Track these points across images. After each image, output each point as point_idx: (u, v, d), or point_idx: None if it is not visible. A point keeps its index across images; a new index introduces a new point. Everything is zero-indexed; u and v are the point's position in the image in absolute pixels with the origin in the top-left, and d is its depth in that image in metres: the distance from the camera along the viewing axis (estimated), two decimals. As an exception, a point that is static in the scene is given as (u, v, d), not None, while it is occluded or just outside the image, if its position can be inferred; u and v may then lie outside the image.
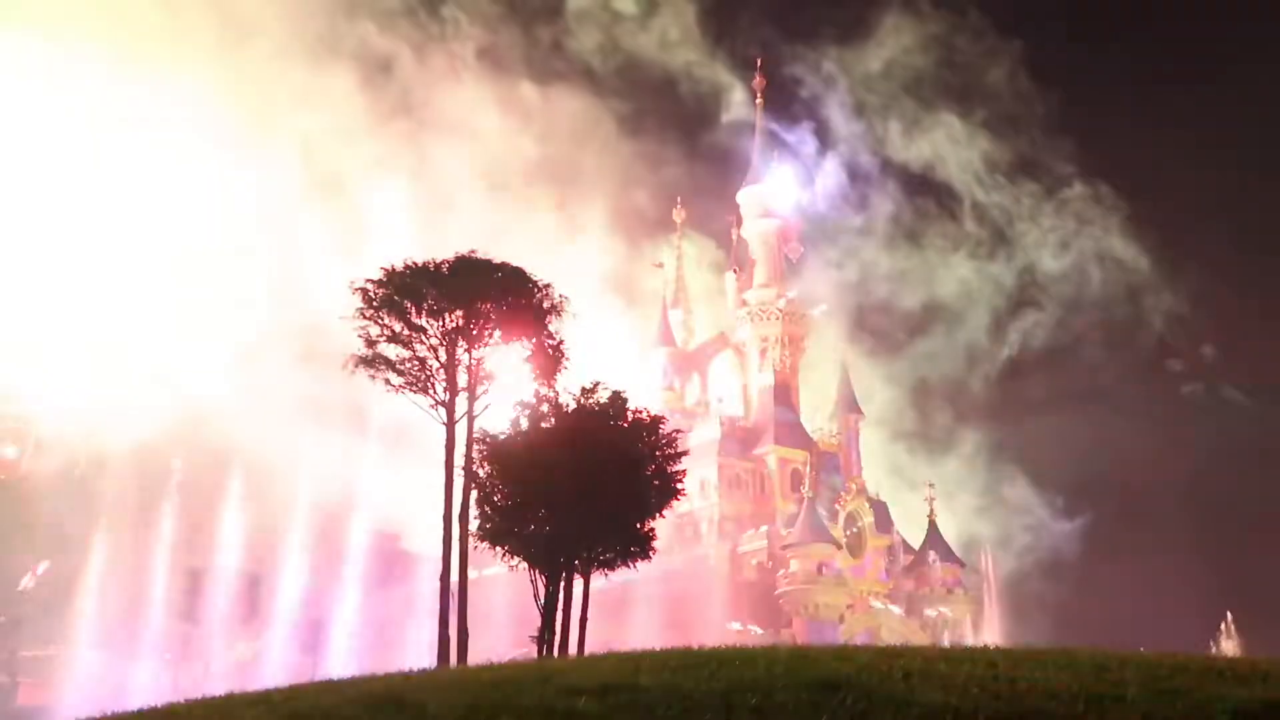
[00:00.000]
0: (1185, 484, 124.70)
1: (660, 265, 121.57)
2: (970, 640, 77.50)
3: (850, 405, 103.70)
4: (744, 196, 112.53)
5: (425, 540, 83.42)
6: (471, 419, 35.43)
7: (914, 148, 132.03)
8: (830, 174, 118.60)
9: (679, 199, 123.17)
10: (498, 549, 35.44)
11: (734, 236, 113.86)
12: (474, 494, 34.89)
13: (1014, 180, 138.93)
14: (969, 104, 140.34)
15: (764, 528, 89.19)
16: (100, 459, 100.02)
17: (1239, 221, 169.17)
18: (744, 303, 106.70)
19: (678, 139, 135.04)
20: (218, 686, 66.36)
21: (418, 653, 76.93)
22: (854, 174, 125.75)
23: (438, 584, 35.93)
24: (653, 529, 36.26)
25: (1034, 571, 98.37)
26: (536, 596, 34.87)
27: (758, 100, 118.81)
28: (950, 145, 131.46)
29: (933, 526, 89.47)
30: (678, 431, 38.68)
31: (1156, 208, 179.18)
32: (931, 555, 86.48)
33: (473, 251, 36.33)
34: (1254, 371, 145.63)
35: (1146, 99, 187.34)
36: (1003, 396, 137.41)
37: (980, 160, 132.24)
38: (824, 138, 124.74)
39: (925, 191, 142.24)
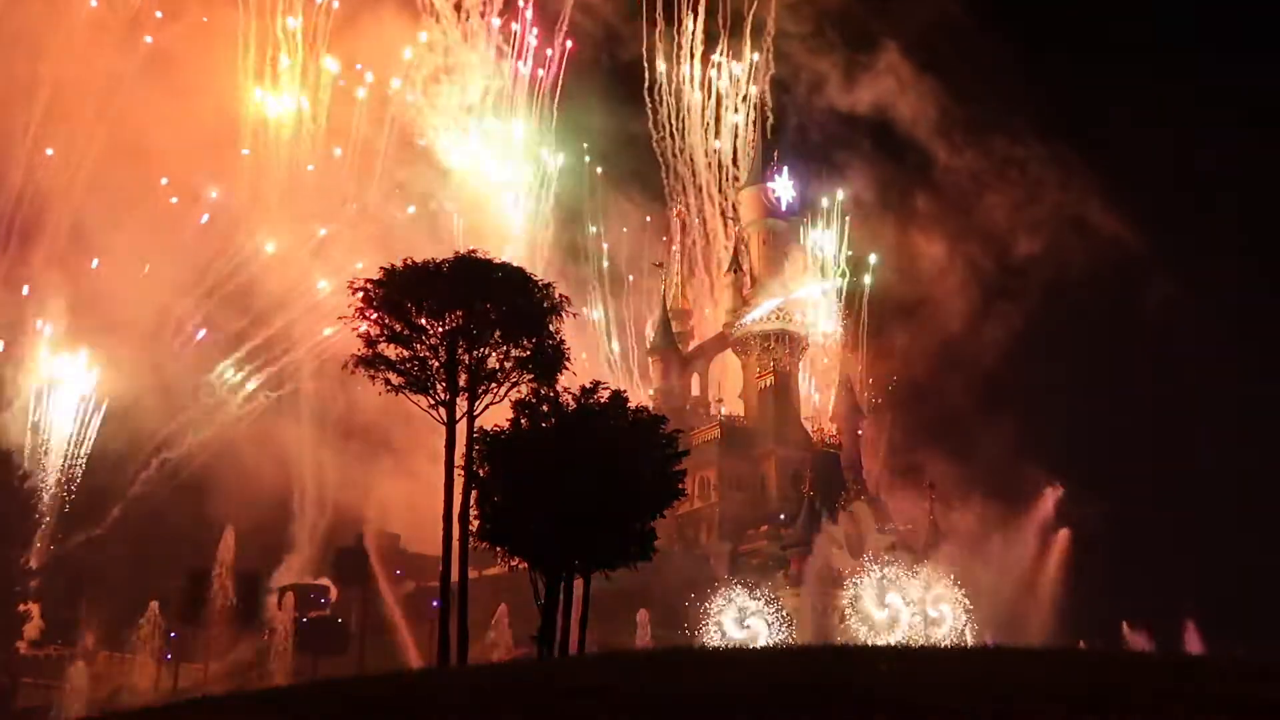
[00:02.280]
0: (1193, 475, 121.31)
1: (660, 265, 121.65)
2: (971, 641, 77.41)
3: (851, 404, 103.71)
4: (744, 196, 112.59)
5: (425, 540, 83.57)
6: (471, 419, 35.39)
7: (861, 95, 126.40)
8: (806, 154, 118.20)
9: (680, 197, 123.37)
10: (497, 549, 35.42)
11: (734, 236, 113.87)
12: (474, 494, 34.86)
13: (979, 140, 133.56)
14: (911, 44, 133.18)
15: (764, 528, 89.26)
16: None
17: (1225, 182, 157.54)
18: (744, 302, 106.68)
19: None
20: (218, 686, 66.56)
21: (417, 652, 77.11)
22: (825, 142, 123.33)
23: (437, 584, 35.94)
24: (652, 529, 36.24)
25: (1041, 568, 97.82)
26: (536, 596, 34.83)
27: (758, 100, 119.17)
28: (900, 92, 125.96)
29: (933, 526, 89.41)
30: (678, 431, 38.67)
31: (1136, 173, 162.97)
32: (931, 554, 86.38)
33: (473, 251, 36.33)
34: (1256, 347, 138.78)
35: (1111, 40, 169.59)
36: (1003, 386, 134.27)
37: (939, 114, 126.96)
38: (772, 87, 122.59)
39: (894, 156, 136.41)
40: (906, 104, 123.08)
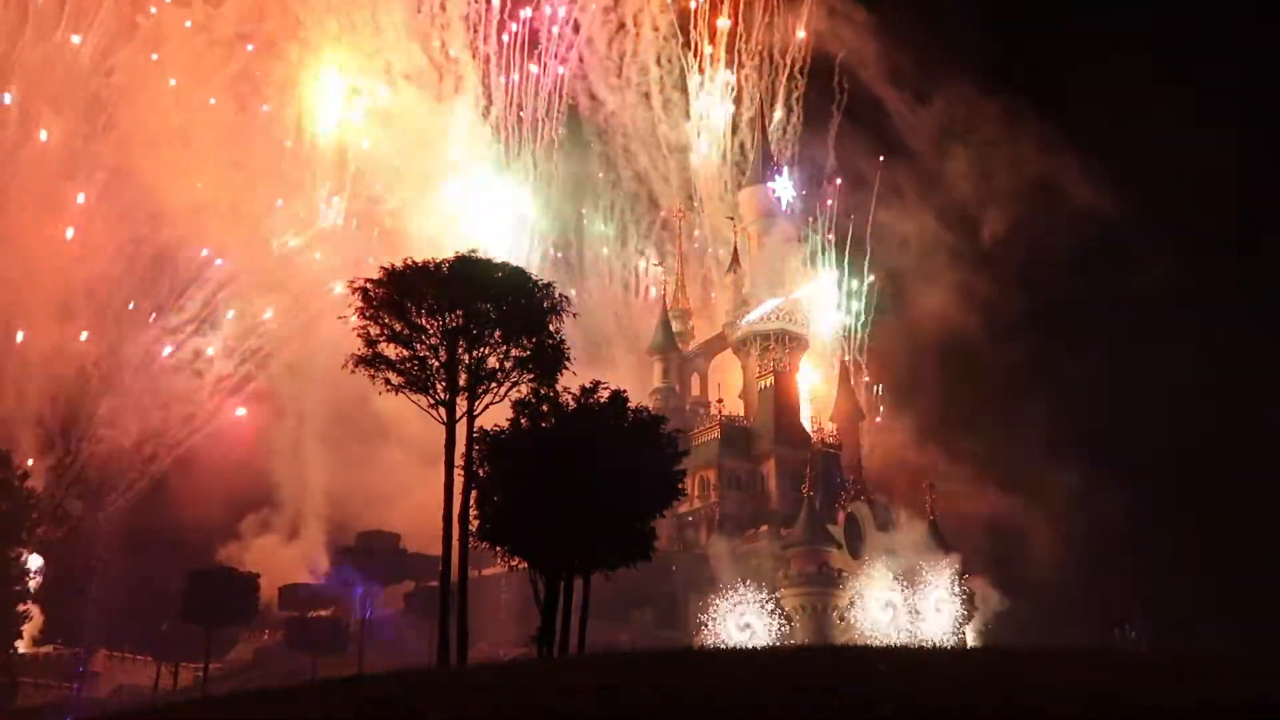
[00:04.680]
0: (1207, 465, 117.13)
1: (660, 265, 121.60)
2: (973, 640, 77.35)
3: (850, 403, 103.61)
4: (745, 195, 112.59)
5: (425, 540, 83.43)
6: (471, 419, 35.38)
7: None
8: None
9: (680, 199, 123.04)
10: (497, 549, 35.42)
11: (735, 235, 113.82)
12: (474, 494, 34.86)
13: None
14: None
15: (764, 528, 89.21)
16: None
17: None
18: (744, 302, 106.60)
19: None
20: (217, 686, 66.50)
21: (418, 652, 76.90)
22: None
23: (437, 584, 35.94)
24: (653, 529, 36.26)
25: (1045, 565, 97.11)
26: (536, 596, 34.82)
27: (759, 102, 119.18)
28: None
29: (933, 526, 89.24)
30: (678, 431, 38.68)
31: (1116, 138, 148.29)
32: (930, 554, 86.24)
33: (473, 251, 36.35)
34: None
35: None
36: (1001, 377, 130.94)
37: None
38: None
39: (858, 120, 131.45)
40: (867, 67, 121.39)
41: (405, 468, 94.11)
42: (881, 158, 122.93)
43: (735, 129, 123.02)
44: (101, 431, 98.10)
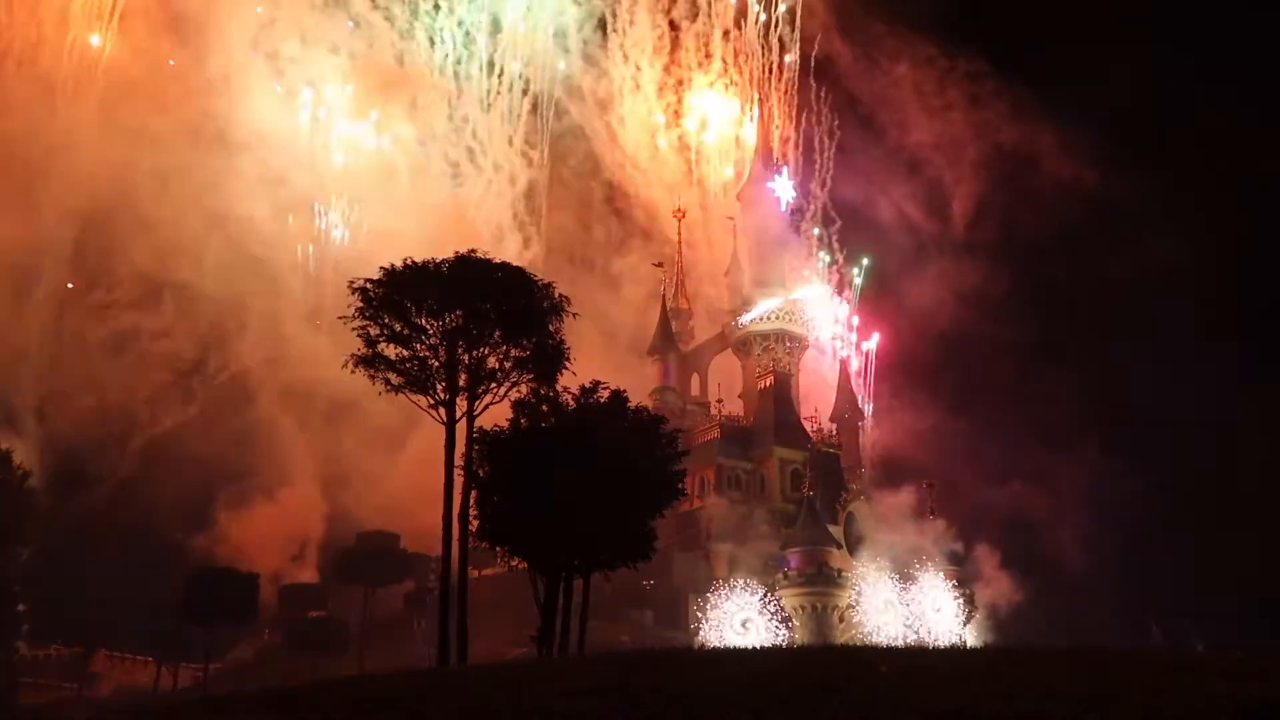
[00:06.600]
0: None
1: (660, 265, 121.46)
2: (971, 641, 77.31)
3: (850, 403, 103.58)
4: (744, 195, 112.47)
5: (425, 540, 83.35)
6: (471, 419, 35.40)
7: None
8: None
9: (679, 199, 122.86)
10: (498, 549, 35.45)
11: (734, 235, 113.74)
12: (474, 494, 34.88)
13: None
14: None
15: (764, 528, 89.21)
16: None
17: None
18: (744, 302, 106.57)
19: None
20: (218, 686, 66.51)
21: (418, 652, 76.89)
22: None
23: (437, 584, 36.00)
24: (652, 529, 36.27)
25: (1054, 559, 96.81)
26: (536, 596, 34.84)
27: (759, 102, 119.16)
28: None
29: (934, 524, 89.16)
30: (677, 431, 38.71)
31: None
32: (931, 553, 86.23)
33: (473, 251, 36.34)
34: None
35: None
36: (999, 372, 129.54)
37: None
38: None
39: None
40: (814, 14, 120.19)
41: (369, 454, 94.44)
42: (837, 122, 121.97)
43: (663, 88, 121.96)
44: (48, 408, 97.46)
